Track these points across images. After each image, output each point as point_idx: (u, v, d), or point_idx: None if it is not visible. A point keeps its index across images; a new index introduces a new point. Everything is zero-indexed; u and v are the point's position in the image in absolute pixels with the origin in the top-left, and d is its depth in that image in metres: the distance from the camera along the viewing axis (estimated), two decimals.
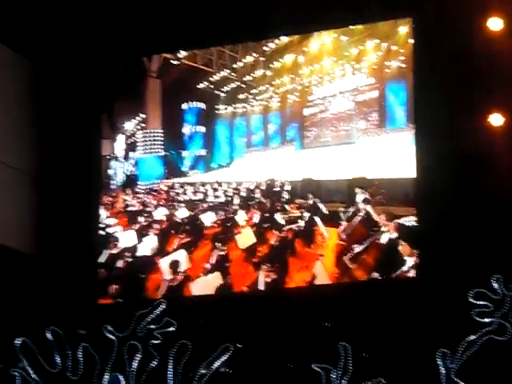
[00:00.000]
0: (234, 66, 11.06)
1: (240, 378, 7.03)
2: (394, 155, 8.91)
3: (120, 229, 9.33)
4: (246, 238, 8.84)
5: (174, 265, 8.49)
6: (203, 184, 10.99)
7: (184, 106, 11.01)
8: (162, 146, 10.54)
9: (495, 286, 6.24)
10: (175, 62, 10.52)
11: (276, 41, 10.17)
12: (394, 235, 7.68)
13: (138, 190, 10.44)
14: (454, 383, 6.17)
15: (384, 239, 7.75)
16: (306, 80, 10.57)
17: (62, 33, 8.66)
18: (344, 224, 8.28)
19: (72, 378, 7.02)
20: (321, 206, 8.63)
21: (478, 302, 6.28)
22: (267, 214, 9.24)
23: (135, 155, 10.71)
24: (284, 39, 10.04)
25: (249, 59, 10.86)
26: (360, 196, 8.31)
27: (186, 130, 11.18)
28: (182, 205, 10.14)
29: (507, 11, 7.25)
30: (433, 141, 7.47)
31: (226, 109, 11.42)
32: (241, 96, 11.37)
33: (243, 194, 10.24)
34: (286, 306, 7.45)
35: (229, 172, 11.13)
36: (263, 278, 8.12)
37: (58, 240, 8.32)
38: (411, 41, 8.16)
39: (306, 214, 8.73)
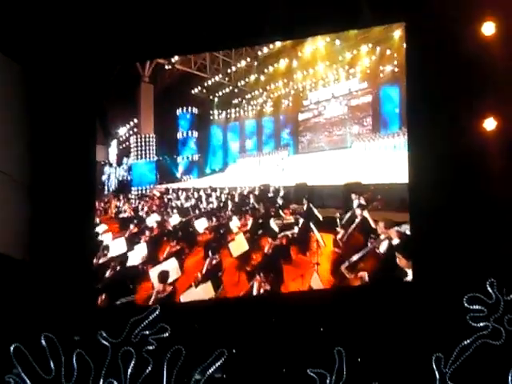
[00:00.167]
0: (228, 70, 11.07)
1: (235, 383, 7.00)
2: (389, 160, 8.91)
3: (110, 236, 9.23)
4: (238, 245, 8.74)
5: (163, 275, 8.35)
6: (197, 190, 10.96)
7: (177, 111, 11.00)
8: (155, 152, 10.52)
9: (490, 290, 6.24)
10: (168, 67, 10.51)
11: (270, 45, 10.16)
12: (394, 242, 7.55)
13: (130, 196, 10.41)
14: None
15: (383, 248, 7.61)
16: (300, 85, 10.60)
17: (53, 36, 8.60)
18: (340, 230, 8.17)
19: None
20: (316, 211, 8.56)
21: (473, 307, 6.27)
22: (261, 221, 9.18)
23: (128, 160, 10.69)
24: (277, 44, 10.03)
25: (242, 64, 10.86)
26: (355, 202, 8.24)
27: (180, 135, 11.17)
28: (175, 211, 10.11)
29: (500, 16, 7.27)
30: (426, 145, 7.47)
31: (219, 114, 11.44)
32: (234, 101, 11.39)
33: (236, 199, 10.22)
34: (281, 311, 7.43)
35: (222, 177, 11.12)
36: (257, 288, 8.02)
37: (51, 246, 8.28)
38: (405, 45, 8.16)
39: (301, 220, 8.66)
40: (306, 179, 9.32)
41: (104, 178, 10.46)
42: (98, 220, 9.11)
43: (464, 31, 7.29)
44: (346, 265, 7.74)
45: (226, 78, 11.24)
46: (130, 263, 8.79)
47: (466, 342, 6.21)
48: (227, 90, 11.45)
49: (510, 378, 6.01)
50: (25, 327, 7.43)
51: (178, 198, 10.79)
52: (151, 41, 8.69)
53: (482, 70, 7.14)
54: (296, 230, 8.63)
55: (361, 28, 8.86)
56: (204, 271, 8.42)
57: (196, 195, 10.84)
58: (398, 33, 8.65)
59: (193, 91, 11.29)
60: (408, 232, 7.45)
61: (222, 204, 10.26)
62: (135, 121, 10.93)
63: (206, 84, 11.28)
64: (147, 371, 6.90)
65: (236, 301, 8.05)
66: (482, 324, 6.21)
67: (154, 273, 8.44)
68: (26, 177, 8.61)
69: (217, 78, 11.22)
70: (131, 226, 9.56)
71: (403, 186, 7.70)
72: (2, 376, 7.11)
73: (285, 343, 7.12)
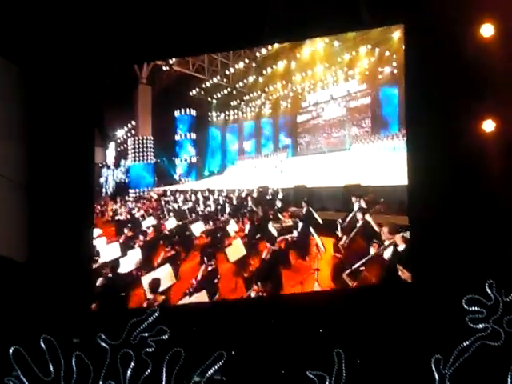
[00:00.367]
0: (226, 72, 11.06)
1: None
2: (388, 162, 8.89)
3: (104, 240, 9.06)
4: (236, 250, 8.62)
5: (154, 284, 8.19)
6: (194, 192, 10.93)
7: (175, 113, 10.99)
8: (153, 154, 10.51)
9: (489, 291, 6.24)
10: (166, 69, 10.50)
11: (268, 46, 10.14)
12: (400, 248, 7.39)
13: (127, 199, 10.39)
14: None
15: (387, 254, 7.46)
16: (299, 86, 10.59)
17: (51, 38, 8.58)
18: (341, 235, 8.05)
19: None
20: (315, 214, 8.49)
21: (472, 308, 6.27)
22: (259, 224, 9.08)
23: (126, 163, 10.67)
24: (276, 45, 10.02)
25: (241, 66, 10.85)
26: (356, 205, 8.14)
27: (178, 137, 11.16)
28: (172, 214, 10.06)
29: (499, 17, 7.28)
30: (425, 147, 7.46)
31: (218, 116, 11.43)
32: (233, 103, 11.38)
33: (235, 202, 10.18)
34: (280, 313, 7.42)
35: (221, 180, 11.11)
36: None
37: (49, 247, 8.26)
38: (404, 47, 8.15)
39: (300, 224, 8.57)
40: (304, 181, 9.28)
41: (102, 180, 10.43)
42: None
43: (463, 33, 7.29)
44: (348, 272, 7.61)
45: (224, 80, 11.23)
46: (122, 270, 8.64)
47: (465, 344, 6.20)
48: (225, 91, 11.44)
49: (509, 379, 6.01)
50: (24, 330, 7.41)
51: (175, 201, 10.77)
52: (149, 43, 8.67)
53: (481, 71, 7.14)
54: (295, 233, 8.54)
55: (359, 30, 8.87)
56: (199, 278, 8.28)
57: (194, 198, 10.81)
58: (397, 34, 8.63)
59: (191, 93, 11.28)
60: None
61: (219, 207, 10.22)
62: (133, 123, 10.91)
63: (204, 86, 11.26)
64: (146, 373, 6.89)
65: (235, 303, 8.03)
66: (481, 325, 6.21)
67: (146, 280, 8.28)
68: (24, 178, 8.59)
69: (215, 80, 11.22)
70: (125, 231, 9.43)
71: (403, 188, 7.62)
72: (1, 378, 7.10)
73: (284, 345, 7.10)
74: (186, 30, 8.49)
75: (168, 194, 10.89)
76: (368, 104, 9.92)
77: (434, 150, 7.33)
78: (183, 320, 7.49)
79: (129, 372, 6.89)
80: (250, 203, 9.74)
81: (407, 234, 7.37)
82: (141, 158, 10.59)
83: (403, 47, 8.07)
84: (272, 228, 8.76)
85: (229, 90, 11.39)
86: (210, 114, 11.36)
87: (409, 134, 7.84)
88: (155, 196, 10.72)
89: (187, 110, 11.00)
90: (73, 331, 7.41)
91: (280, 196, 9.42)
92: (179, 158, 11.17)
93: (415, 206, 7.44)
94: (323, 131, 10.45)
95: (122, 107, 10.52)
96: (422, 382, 6.28)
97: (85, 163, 8.79)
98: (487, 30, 7.26)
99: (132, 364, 6.90)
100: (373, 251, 7.58)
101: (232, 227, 9.11)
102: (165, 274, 8.40)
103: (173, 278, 8.41)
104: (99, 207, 9.77)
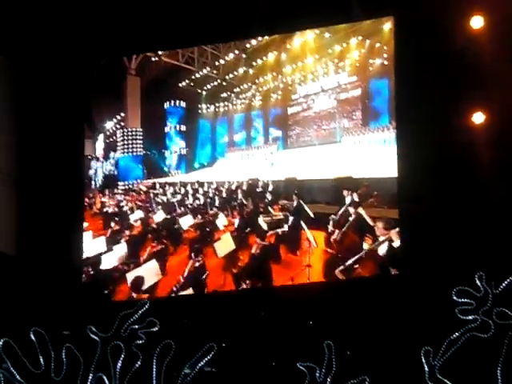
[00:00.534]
0: (216, 63, 11.01)
1: (224, 377, 6.99)
2: (379, 154, 8.87)
3: (90, 234, 8.90)
4: (225, 244, 8.52)
5: (137, 283, 8.08)
6: (184, 184, 10.89)
7: (165, 104, 10.94)
8: (142, 146, 10.46)
9: (478, 283, 6.25)
10: (155, 59, 10.45)
11: (258, 38, 10.08)
12: (395, 244, 7.33)
13: (116, 191, 10.33)
14: (437, 380, 6.15)
15: (382, 251, 7.42)
16: (289, 78, 10.56)
17: (39, 30, 8.53)
18: (332, 229, 7.98)
19: (56, 378, 6.95)
20: (306, 208, 8.41)
21: (462, 300, 6.29)
22: (249, 218, 9.02)
23: (115, 155, 10.62)
24: (266, 36, 9.96)
25: (231, 57, 10.80)
26: (348, 198, 8.08)
27: (167, 129, 11.12)
28: (160, 207, 10.01)
29: (488, 9, 7.29)
30: (415, 139, 7.47)
31: (207, 108, 11.39)
32: (223, 95, 11.34)
33: (224, 194, 10.14)
34: (270, 305, 7.42)
35: (211, 172, 11.07)
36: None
37: (39, 240, 8.22)
38: (394, 39, 8.12)
39: (291, 218, 8.50)
40: (295, 174, 9.24)
41: (91, 172, 10.38)
42: None
43: (453, 25, 7.29)
44: (341, 268, 7.56)
45: (214, 71, 11.18)
46: (106, 265, 8.54)
47: (454, 335, 6.21)
48: (215, 83, 11.39)
49: (498, 370, 6.04)
50: (14, 322, 7.39)
51: (164, 194, 10.72)
52: (138, 35, 8.63)
53: (471, 63, 7.15)
54: (286, 227, 8.48)
55: (350, 22, 8.83)
56: (186, 274, 8.17)
57: (183, 190, 10.76)
58: (387, 26, 8.62)
59: (180, 84, 11.22)
60: None
61: (209, 200, 10.18)
62: (122, 114, 10.86)
63: (193, 77, 11.21)
64: (137, 365, 6.87)
65: (225, 295, 8.03)
66: (470, 317, 6.21)
67: (131, 277, 8.17)
68: (13, 171, 8.54)
69: (205, 71, 11.17)
70: (112, 224, 9.37)
71: (393, 180, 7.59)
72: None
73: (274, 337, 7.11)
74: (175, 21, 8.45)
75: (157, 186, 10.84)
76: (358, 96, 9.91)
77: (424, 142, 7.33)
78: (173, 312, 7.48)
79: (119, 364, 6.86)
80: (239, 196, 9.69)
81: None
82: (130, 150, 10.54)
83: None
84: (262, 222, 8.72)
85: (219, 81, 11.34)
86: (199, 105, 11.32)
87: (398, 125, 7.84)
88: (144, 188, 10.67)
89: (177, 101, 10.96)
90: (63, 323, 7.39)
91: (270, 188, 9.37)
92: (169, 150, 11.13)
93: (405, 198, 7.44)
94: (313, 123, 10.43)
95: (110, 99, 10.46)
96: (412, 374, 6.29)
97: (74, 156, 8.75)
98: (477, 22, 7.27)
99: (122, 356, 6.89)
100: (366, 246, 7.54)
101: (221, 221, 9.06)
102: (151, 270, 8.30)
103: (159, 273, 8.30)
104: (87, 200, 9.67)
